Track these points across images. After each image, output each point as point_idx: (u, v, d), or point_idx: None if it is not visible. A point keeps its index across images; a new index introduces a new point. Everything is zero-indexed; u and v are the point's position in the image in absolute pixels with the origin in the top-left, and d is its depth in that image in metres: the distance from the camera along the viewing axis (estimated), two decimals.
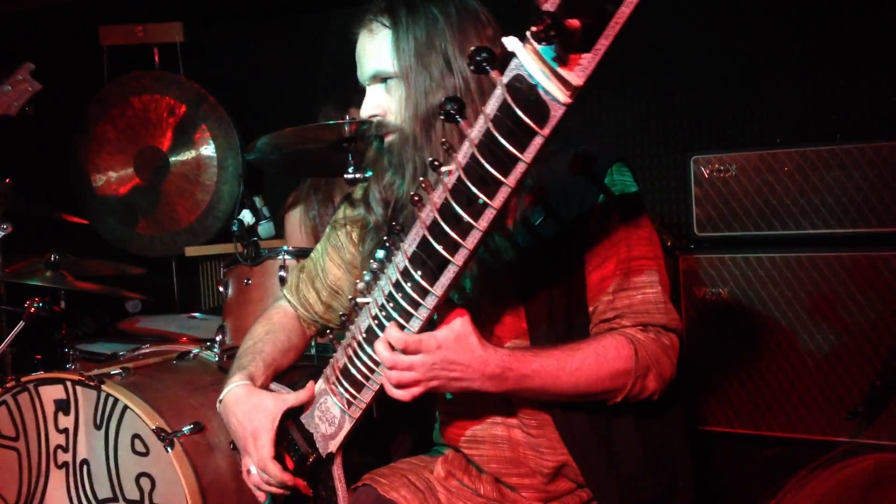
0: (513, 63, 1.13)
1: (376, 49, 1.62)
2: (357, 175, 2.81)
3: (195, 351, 3.05)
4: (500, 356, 1.45)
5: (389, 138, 1.66)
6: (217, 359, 2.96)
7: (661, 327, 1.56)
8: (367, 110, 1.66)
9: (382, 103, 1.65)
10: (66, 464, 2.59)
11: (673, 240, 3.28)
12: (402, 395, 1.46)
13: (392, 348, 1.44)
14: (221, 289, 3.02)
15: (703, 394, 2.92)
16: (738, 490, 2.85)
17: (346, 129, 2.85)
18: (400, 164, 1.63)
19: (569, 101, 1.08)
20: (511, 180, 1.19)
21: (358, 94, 1.72)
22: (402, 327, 1.44)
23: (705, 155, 3.00)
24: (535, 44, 1.06)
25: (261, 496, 1.80)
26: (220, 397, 1.82)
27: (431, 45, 1.58)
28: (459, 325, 1.42)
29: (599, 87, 1.12)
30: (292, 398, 1.75)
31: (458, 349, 1.42)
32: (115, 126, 4.62)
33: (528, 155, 1.15)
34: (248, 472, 1.76)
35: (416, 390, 1.46)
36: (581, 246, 1.58)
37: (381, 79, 1.64)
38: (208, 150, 4.62)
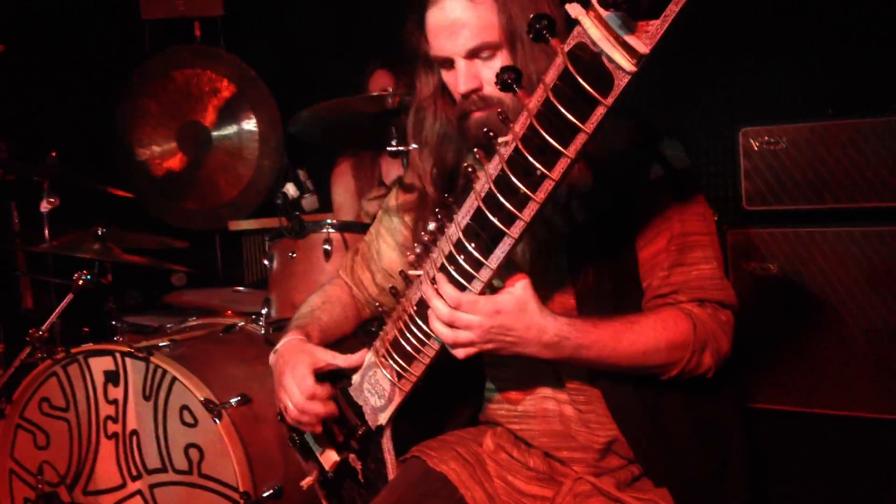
0: (575, 31, 1.10)
1: (479, 19, 1.53)
2: (400, 147, 2.82)
3: (241, 324, 3.07)
4: (559, 325, 1.41)
5: (485, 113, 1.58)
6: (263, 331, 2.97)
7: (717, 303, 1.54)
8: (468, 84, 1.57)
9: (483, 76, 1.57)
10: (115, 434, 2.62)
11: (721, 214, 3.22)
12: (456, 352, 1.45)
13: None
14: (266, 262, 3.03)
15: (752, 371, 2.88)
16: (787, 467, 2.82)
17: (390, 101, 2.85)
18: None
19: (634, 69, 1.06)
20: (571, 151, 1.16)
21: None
22: None
23: (755, 127, 2.93)
24: (601, 10, 1.03)
25: (317, 427, 1.77)
26: (276, 348, 1.83)
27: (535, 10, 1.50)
28: (520, 290, 1.39)
29: (655, 52, 1.10)
30: (342, 359, 1.75)
31: (517, 315, 1.39)
32: (157, 100, 4.63)
33: (590, 125, 1.13)
34: (286, 408, 1.74)
35: (470, 350, 1.43)
36: (632, 222, 1.55)
37: (480, 50, 1.56)
38: (250, 124, 4.62)
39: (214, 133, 4.66)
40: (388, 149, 2.84)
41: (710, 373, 1.53)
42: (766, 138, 2.91)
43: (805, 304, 2.82)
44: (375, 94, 3.12)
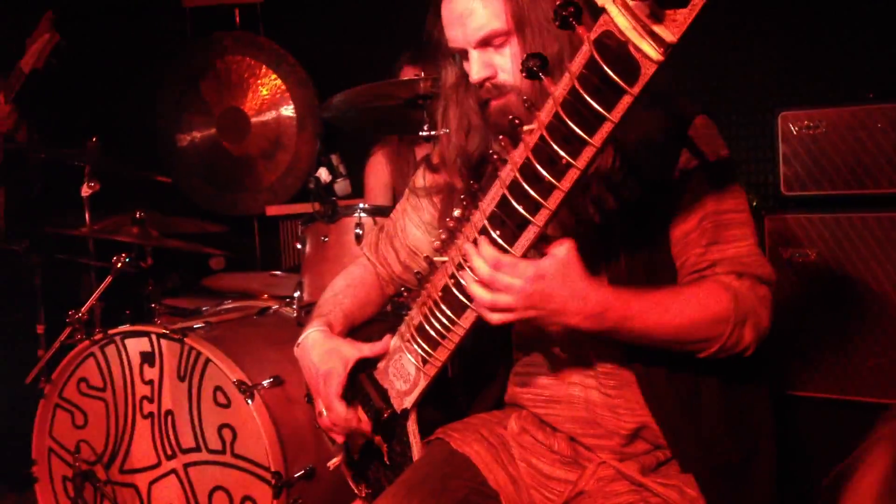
0: (601, 19, 1.09)
1: (486, 8, 1.53)
2: (432, 132, 2.82)
3: (274, 307, 3.11)
4: (603, 294, 1.38)
5: (502, 101, 1.58)
6: (295, 314, 3.00)
7: (756, 278, 1.51)
8: (480, 72, 1.57)
9: (496, 64, 1.57)
10: (151, 414, 2.67)
11: (759, 199, 3.18)
12: (493, 317, 1.39)
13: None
14: (299, 246, 3.06)
15: (791, 358, 2.84)
16: (823, 455, 2.79)
17: (421, 85, 2.85)
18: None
19: (661, 58, 1.04)
20: (597, 140, 1.15)
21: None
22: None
23: (794, 111, 2.88)
24: None
25: (338, 438, 1.83)
26: (299, 341, 1.86)
27: None
28: (564, 253, 1.34)
29: (683, 40, 1.08)
30: (367, 349, 1.78)
31: (560, 281, 1.34)
32: (198, 87, 4.69)
33: (616, 114, 1.12)
34: (320, 414, 1.79)
35: (509, 316, 1.38)
36: (664, 204, 1.54)
37: (490, 39, 1.55)
38: (288, 110, 4.67)
39: (254, 119, 4.71)
40: (421, 133, 2.84)
41: (751, 350, 1.49)
42: (806, 122, 2.85)
43: (844, 290, 2.77)
44: (406, 78, 3.12)
